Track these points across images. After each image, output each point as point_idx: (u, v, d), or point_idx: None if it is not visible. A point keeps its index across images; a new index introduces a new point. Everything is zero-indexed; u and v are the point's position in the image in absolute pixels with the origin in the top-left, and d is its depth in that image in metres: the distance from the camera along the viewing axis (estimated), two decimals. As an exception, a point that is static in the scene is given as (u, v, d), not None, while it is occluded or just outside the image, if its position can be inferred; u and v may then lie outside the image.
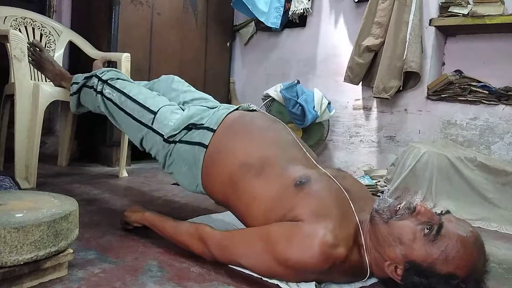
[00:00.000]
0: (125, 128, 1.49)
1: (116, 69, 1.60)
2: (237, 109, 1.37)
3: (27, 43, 1.79)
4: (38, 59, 1.82)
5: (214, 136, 1.25)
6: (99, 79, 1.53)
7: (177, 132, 1.31)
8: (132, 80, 1.57)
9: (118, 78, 1.52)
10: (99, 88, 1.51)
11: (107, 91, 1.49)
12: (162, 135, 1.33)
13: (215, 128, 1.27)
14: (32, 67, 1.87)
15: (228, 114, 1.31)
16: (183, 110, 1.39)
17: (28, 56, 1.80)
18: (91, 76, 1.57)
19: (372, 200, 1.19)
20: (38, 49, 1.82)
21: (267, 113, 1.40)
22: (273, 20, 2.84)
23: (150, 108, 1.39)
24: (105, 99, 1.49)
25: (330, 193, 1.04)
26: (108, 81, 1.50)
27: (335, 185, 1.07)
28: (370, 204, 1.13)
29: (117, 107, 1.45)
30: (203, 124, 1.30)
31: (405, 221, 0.93)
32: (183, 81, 1.69)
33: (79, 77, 1.64)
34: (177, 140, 1.31)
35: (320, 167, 1.16)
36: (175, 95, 1.58)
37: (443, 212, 0.95)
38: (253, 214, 1.10)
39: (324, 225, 0.94)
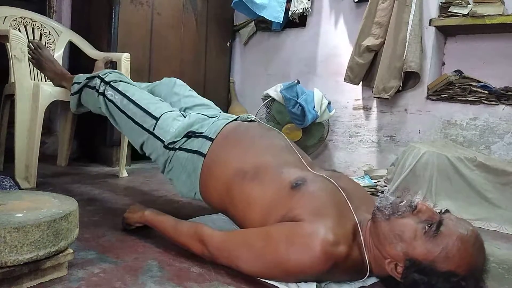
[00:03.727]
0: (125, 130, 1.49)
1: (118, 71, 1.60)
2: (236, 119, 1.39)
3: (29, 41, 1.79)
4: (38, 57, 1.82)
5: (212, 146, 1.27)
6: (102, 80, 1.53)
7: (178, 139, 1.33)
8: (134, 83, 1.57)
9: (121, 81, 1.52)
10: (101, 90, 1.51)
11: (109, 92, 1.49)
12: (162, 141, 1.35)
13: (214, 137, 1.29)
14: (32, 66, 1.87)
15: (226, 124, 1.33)
16: (185, 117, 1.40)
17: (28, 54, 1.80)
18: (93, 77, 1.57)
19: (369, 198, 1.20)
20: (38, 48, 1.82)
21: (263, 123, 1.42)
22: (276, 14, 2.77)
23: (153, 113, 1.39)
24: (107, 100, 1.49)
25: (326, 192, 1.05)
26: (111, 83, 1.50)
27: (331, 185, 1.09)
28: (367, 203, 1.14)
29: (118, 110, 1.46)
30: (203, 133, 1.32)
31: (406, 219, 0.93)
32: (185, 85, 1.69)
33: (81, 77, 1.64)
34: (177, 147, 1.32)
35: (315, 169, 1.18)
36: (176, 99, 1.59)
37: (442, 211, 0.96)
38: (251, 219, 1.10)
39: (324, 224, 0.94)
